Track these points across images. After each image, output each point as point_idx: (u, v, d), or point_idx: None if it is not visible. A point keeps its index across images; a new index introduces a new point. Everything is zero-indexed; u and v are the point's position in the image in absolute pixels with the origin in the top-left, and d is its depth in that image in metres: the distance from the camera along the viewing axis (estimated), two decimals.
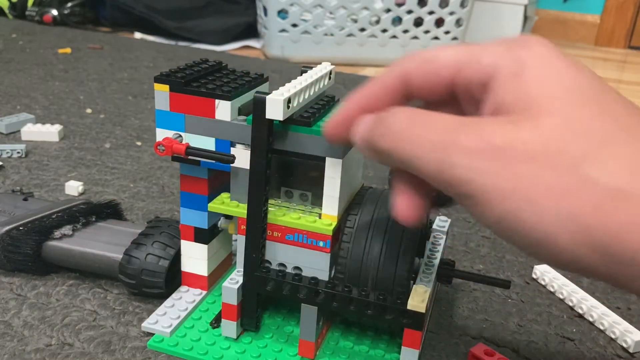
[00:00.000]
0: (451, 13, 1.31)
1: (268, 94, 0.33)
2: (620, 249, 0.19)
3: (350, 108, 0.28)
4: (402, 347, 0.34)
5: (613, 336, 0.42)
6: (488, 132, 0.22)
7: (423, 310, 0.33)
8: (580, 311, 0.44)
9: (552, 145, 0.21)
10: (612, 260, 0.19)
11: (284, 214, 0.36)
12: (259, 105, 0.33)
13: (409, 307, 0.33)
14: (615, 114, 0.21)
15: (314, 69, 0.39)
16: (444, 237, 0.41)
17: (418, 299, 0.33)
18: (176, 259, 0.42)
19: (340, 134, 0.28)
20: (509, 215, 0.21)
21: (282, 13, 1.27)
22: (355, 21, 1.29)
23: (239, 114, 0.37)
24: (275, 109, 0.32)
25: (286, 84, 0.34)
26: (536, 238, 0.21)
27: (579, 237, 0.20)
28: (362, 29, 1.30)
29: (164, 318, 0.39)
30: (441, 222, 0.43)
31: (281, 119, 0.33)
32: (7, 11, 1.50)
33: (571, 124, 0.21)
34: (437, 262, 0.38)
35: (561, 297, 0.46)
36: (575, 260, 0.20)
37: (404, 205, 0.27)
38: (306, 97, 0.36)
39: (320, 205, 0.36)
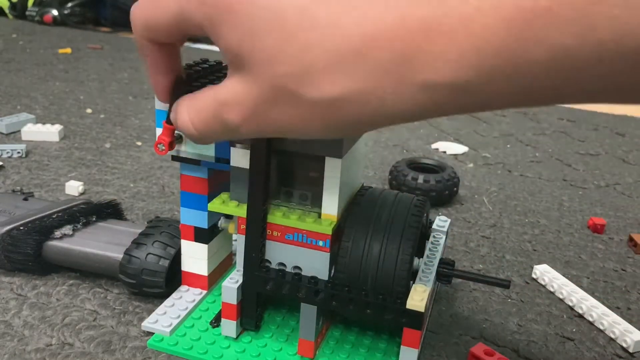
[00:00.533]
0: None
1: None
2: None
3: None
4: (402, 346, 0.34)
5: (613, 336, 0.42)
6: (223, 92, 0.26)
7: (422, 310, 0.33)
8: (580, 311, 0.44)
9: (275, 89, 0.23)
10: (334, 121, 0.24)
11: (283, 213, 0.36)
12: None
13: (408, 306, 0.33)
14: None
15: None
16: (444, 237, 0.41)
17: (417, 299, 0.33)
18: (176, 258, 0.42)
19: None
20: (294, 136, 0.26)
21: None
22: None
23: None
24: None
25: None
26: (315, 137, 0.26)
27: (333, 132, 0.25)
28: None
29: (164, 317, 0.39)
30: (441, 222, 0.43)
31: None
32: (7, 11, 1.51)
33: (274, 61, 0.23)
34: (436, 261, 0.38)
35: (561, 297, 0.46)
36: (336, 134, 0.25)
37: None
38: None
39: (320, 205, 0.36)
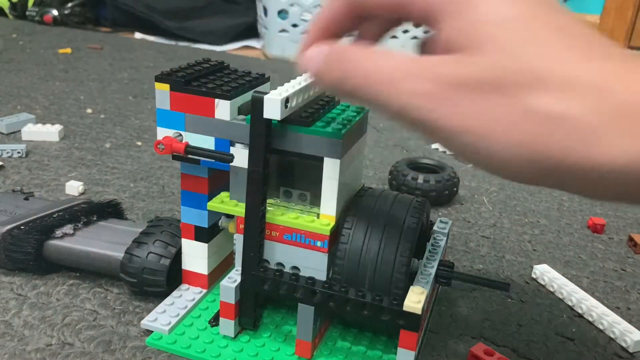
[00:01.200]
0: None
1: (266, 93, 0.33)
2: (564, 166, 0.21)
3: (312, 38, 0.29)
4: (398, 348, 0.34)
5: (612, 336, 0.42)
6: (437, 73, 0.23)
7: (419, 312, 0.33)
8: (579, 311, 0.44)
9: (494, 77, 0.22)
10: (559, 175, 0.22)
11: (282, 213, 0.36)
12: (256, 104, 0.33)
13: (404, 308, 0.33)
14: (553, 39, 0.22)
15: None
16: (444, 238, 0.41)
17: (414, 300, 0.33)
18: (177, 257, 0.42)
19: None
20: (467, 148, 0.23)
21: (282, 13, 1.27)
22: None
23: (239, 114, 0.37)
24: (273, 109, 0.32)
25: (285, 84, 0.34)
26: (495, 166, 0.23)
27: (531, 161, 0.22)
28: None
29: (163, 316, 0.39)
30: (442, 224, 0.43)
31: (279, 118, 0.33)
32: (7, 11, 1.51)
33: (510, 53, 0.22)
34: (436, 263, 0.38)
35: (561, 297, 0.46)
36: (531, 179, 0.23)
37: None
38: (305, 97, 0.36)
39: (318, 205, 0.36)
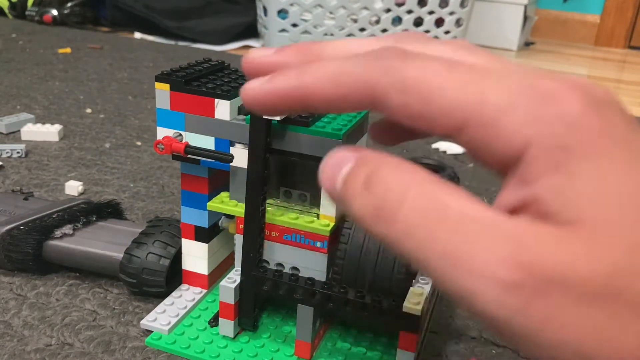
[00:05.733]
0: (451, 13, 1.31)
1: None
2: None
3: (281, 87, 0.20)
4: (398, 349, 0.34)
5: None
6: (532, 254, 0.16)
7: (419, 313, 0.33)
8: None
9: (616, 283, 0.16)
10: None
11: (282, 213, 0.36)
12: None
13: (404, 309, 0.33)
14: None
15: None
16: None
17: (414, 301, 0.33)
18: (177, 258, 0.42)
19: (269, 111, 0.22)
20: None
21: (282, 13, 1.27)
22: (355, 21, 1.29)
23: (239, 114, 0.37)
24: None
25: None
26: None
27: None
28: (362, 29, 1.30)
29: (162, 316, 0.39)
30: None
31: (278, 118, 0.33)
32: (7, 11, 1.51)
33: (634, 252, 0.16)
34: None
35: None
36: None
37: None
38: None
39: (318, 205, 0.36)
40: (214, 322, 0.39)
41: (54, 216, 0.45)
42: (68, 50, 1.19)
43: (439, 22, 1.32)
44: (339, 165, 0.19)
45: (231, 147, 0.36)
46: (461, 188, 0.17)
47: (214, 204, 0.37)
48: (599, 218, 0.16)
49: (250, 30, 1.45)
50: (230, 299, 0.37)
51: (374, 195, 0.18)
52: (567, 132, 0.16)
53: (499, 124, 0.17)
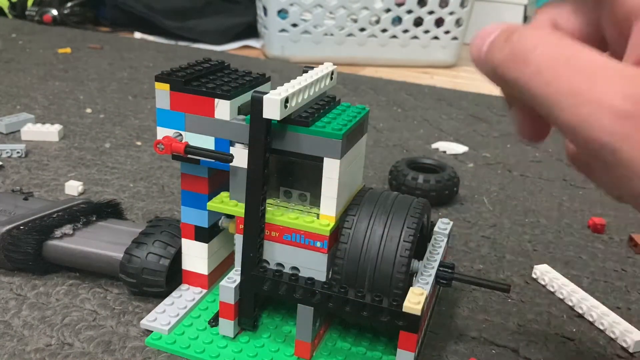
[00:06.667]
0: (451, 13, 1.31)
1: (266, 93, 0.33)
2: None
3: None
4: (398, 349, 0.34)
5: (613, 336, 0.42)
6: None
7: (418, 313, 0.33)
8: (580, 311, 0.44)
9: None
10: None
11: (282, 213, 0.36)
12: (256, 104, 0.33)
13: (404, 309, 0.33)
14: None
15: (315, 69, 0.39)
16: (445, 239, 0.41)
17: (414, 301, 0.33)
18: (177, 257, 0.42)
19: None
20: None
21: (282, 13, 1.27)
22: (355, 21, 1.29)
23: (239, 114, 0.37)
24: (272, 109, 0.32)
25: (285, 84, 0.34)
26: None
27: None
28: (362, 29, 1.30)
29: (162, 316, 0.39)
30: (443, 225, 0.43)
31: (278, 118, 0.33)
32: (7, 11, 1.51)
33: None
34: (436, 264, 0.38)
35: (561, 297, 0.46)
36: None
37: (526, 129, 0.25)
38: (305, 97, 0.36)
39: (318, 205, 0.36)
40: (214, 322, 0.39)
41: (54, 216, 0.45)
42: (68, 50, 1.19)
43: (439, 22, 1.32)
44: (488, 34, 0.22)
45: (231, 147, 0.36)
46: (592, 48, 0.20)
47: (214, 204, 0.37)
48: None
49: (250, 30, 1.45)
50: (230, 299, 0.37)
51: (512, 43, 0.21)
52: None
53: None
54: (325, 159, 0.34)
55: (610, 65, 0.19)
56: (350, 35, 1.30)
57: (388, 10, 1.28)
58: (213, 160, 0.37)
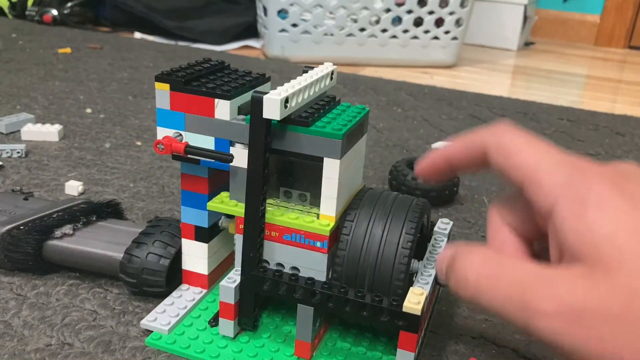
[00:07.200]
0: (451, 13, 1.31)
1: (266, 93, 0.33)
2: None
3: (435, 157, 0.32)
4: (398, 349, 0.34)
5: None
6: (564, 292, 0.23)
7: (418, 313, 0.33)
8: None
9: (631, 306, 0.21)
10: None
11: (282, 213, 0.36)
12: (256, 104, 0.33)
13: (404, 309, 0.33)
14: None
15: (315, 69, 0.39)
16: (445, 239, 0.41)
17: (414, 301, 0.33)
18: (177, 258, 0.42)
19: (427, 175, 0.33)
20: None
21: (282, 13, 1.27)
22: (355, 21, 1.29)
23: (239, 114, 0.37)
24: (272, 109, 0.32)
25: (285, 84, 0.34)
26: None
27: None
28: (362, 29, 1.30)
29: (162, 316, 0.39)
30: (443, 225, 0.43)
31: (278, 118, 0.33)
32: (7, 11, 1.51)
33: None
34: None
35: None
36: None
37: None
38: (305, 97, 0.36)
39: (318, 205, 0.36)
40: (214, 322, 0.39)
41: (54, 216, 0.45)
42: (68, 50, 1.19)
43: (439, 22, 1.32)
44: (441, 261, 0.30)
45: (231, 147, 0.36)
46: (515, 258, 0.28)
47: (214, 204, 0.37)
48: (614, 257, 0.22)
49: (250, 30, 1.45)
50: (230, 299, 0.37)
51: (455, 272, 0.27)
52: (581, 193, 0.24)
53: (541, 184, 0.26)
54: (325, 159, 0.34)
55: (531, 271, 0.24)
56: (350, 35, 1.30)
57: (388, 10, 1.29)
58: (213, 160, 0.37)
